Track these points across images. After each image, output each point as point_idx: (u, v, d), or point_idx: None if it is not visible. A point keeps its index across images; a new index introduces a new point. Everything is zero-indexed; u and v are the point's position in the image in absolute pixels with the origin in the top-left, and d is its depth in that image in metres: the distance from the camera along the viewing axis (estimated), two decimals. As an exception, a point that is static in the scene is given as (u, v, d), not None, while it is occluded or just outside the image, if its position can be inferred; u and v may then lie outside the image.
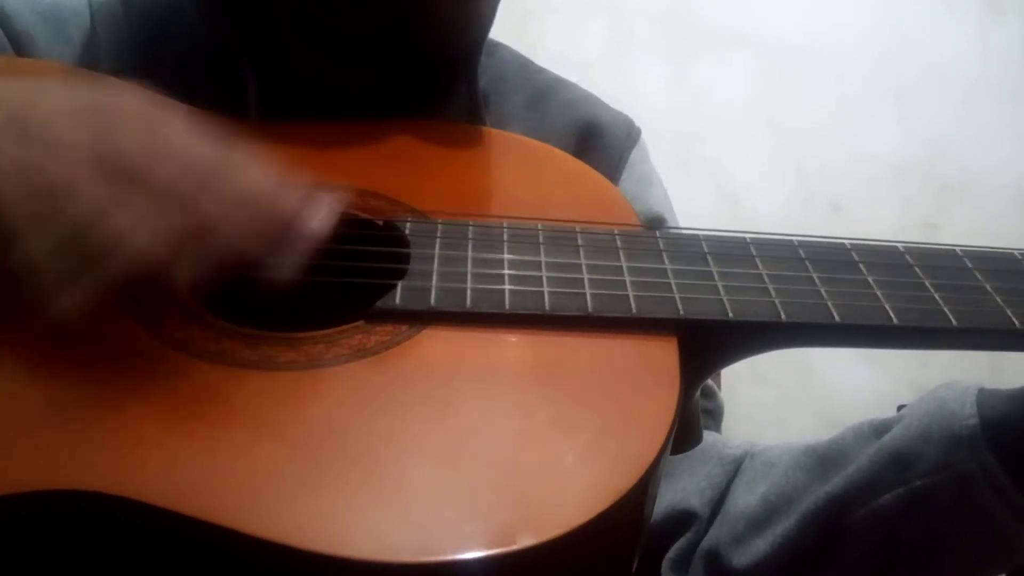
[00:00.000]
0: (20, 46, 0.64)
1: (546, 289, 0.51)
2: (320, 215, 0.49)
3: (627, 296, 0.51)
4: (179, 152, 0.46)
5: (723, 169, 2.02)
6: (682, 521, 0.66)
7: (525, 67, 0.76)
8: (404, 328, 0.49)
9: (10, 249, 0.42)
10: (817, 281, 0.53)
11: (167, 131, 0.47)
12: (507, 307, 0.50)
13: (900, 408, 0.63)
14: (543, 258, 0.53)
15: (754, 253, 0.55)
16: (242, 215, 0.46)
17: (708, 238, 0.56)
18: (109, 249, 0.43)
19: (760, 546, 0.62)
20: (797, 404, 1.97)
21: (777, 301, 0.51)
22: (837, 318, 0.51)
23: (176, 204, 0.45)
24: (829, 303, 0.51)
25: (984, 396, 0.57)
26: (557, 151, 0.66)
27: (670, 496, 0.66)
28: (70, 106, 0.46)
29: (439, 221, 0.56)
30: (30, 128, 0.44)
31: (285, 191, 0.49)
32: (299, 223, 0.48)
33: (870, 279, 0.53)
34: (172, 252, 0.44)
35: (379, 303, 0.50)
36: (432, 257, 0.53)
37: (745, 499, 0.64)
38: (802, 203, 2.04)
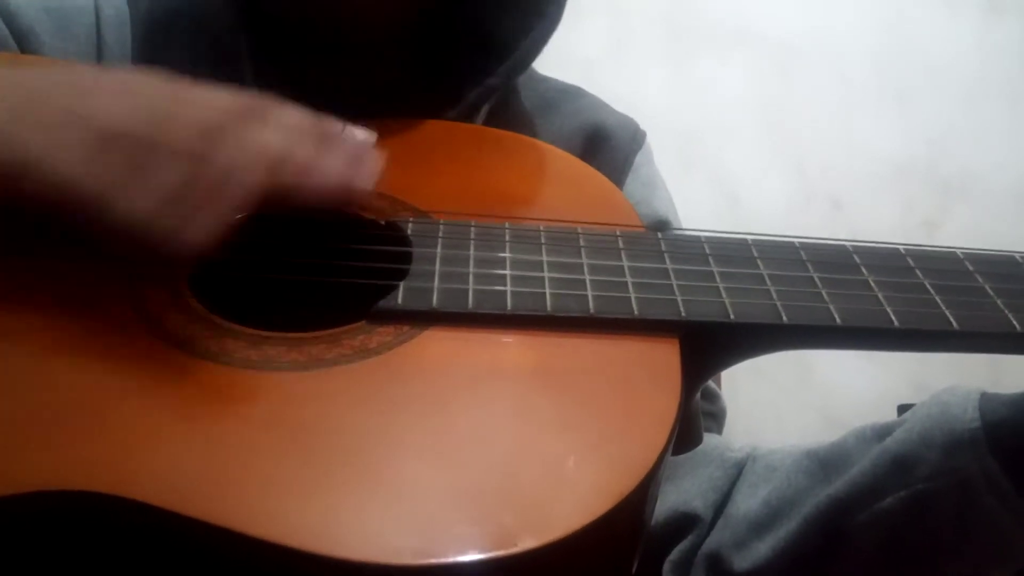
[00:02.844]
0: (24, 42, 0.64)
1: (548, 290, 0.51)
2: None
3: (629, 298, 0.51)
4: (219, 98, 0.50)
5: (723, 168, 2.02)
6: (684, 523, 0.66)
7: (529, 75, 0.76)
8: (406, 329, 0.49)
9: (110, 208, 0.46)
10: (819, 283, 0.53)
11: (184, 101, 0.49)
12: (509, 308, 0.49)
13: (899, 406, 0.63)
14: (545, 259, 0.53)
15: (756, 255, 0.55)
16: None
17: (710, 240, 0.56)
18: (225, 176, 0.47)
19: (761, 549, 0.62)
20: (797, 402, 1.97)
21: (779, 303, 0.51)
22: (838, 320, 0.51)
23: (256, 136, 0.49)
24: (831, 305, 0.51)
25: (986, 400, 0.57)
26: (560, 152, 0.66)
27: (673, 498, 0.66)
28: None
29: (441, 221, 0.56)
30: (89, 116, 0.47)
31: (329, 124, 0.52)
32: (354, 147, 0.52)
33: (871, 281, 0.53)
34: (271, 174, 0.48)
35: (381, 303, 0.49)
36: (434, 257, 0.53)
37: (747, 502, 0.64)
38: (803, 202, 2.03)
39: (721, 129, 2.02)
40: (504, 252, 0.53)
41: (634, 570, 0.49)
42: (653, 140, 0.78)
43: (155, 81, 0.49)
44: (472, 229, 0.55)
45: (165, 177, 0.46)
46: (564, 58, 0.80)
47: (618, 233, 0.56)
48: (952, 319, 0.51)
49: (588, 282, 0.52)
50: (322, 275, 0.51)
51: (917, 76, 2.05)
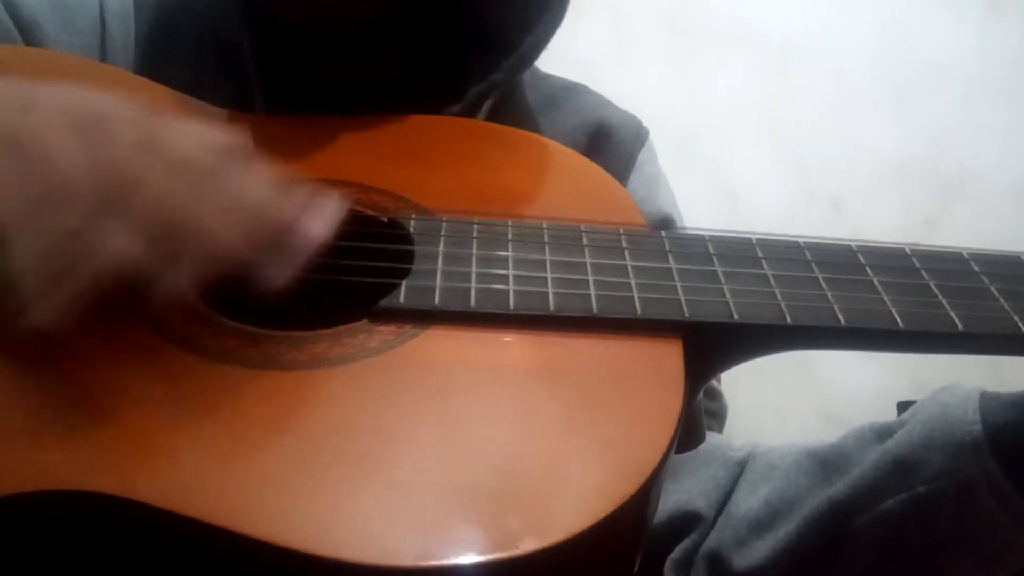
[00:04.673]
0: (29, 35, 0.64)
1: (551, 290, 0.50)
2: (320, 223, 0.48)
3: (632, 297, 0.50)
4: (173, 161, 0.45)
5: (723, 168, 2.02)
6: (687, 522, 0.66)
7: (532, 73, 0.76)
8: (408, 328, 0.48)
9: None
10: (823, 284, 0.53)
11: (162, 140, 0.46)
12: (511, 307, 0.49)
13: (899, 404, 0.63)
14: (548, 257, 0.53)
15: (760, 255, 0.55)
16: (236, 221, 0.46)
17: (714, 239, 0.56)
18: (86, 255, 0.42)
19: (761, 549, 0.62)
20: (798, 401, 1.97)
21: (783, 304, 0.51)
22: (843, 321, 0.50)
23: (166, 212, 0.44)
24: (835, 306, 0.51)
25: (986, 401, 0.57)
26: (563, 148, 0.65)
27: (675, 497, 0.66)
28: (64, 115, 0.45)
29: (444, 219, 0.55)
30: (21, 137, 0.43)
31: (284, 197, 0.48)
32: (297, 231, 0.48)
33: (876, 282, 0.53)
34: (156, 259, 0.43)
35: (383, 302, 0.49)
36: (436, 256, 0.52)
37: (747, 501, 0.64)
38: (802, 201, 2.03)
39: (721, 129, 2.02)
40: (507, 250, 0.53)
41: (636, 569, 0.49)
42: (653, 140, 0.77)
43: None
44: (475, 227, 0.54)
45: (55, 224, 0.42)
46: (565, 58, 0.80)
47: (621, 232, 0.55)
48: (957, 320, 0.51)
49: (591, 281, 0.51)
50: (324, 273, 0.51)
51: (917, 76, 2.05)
